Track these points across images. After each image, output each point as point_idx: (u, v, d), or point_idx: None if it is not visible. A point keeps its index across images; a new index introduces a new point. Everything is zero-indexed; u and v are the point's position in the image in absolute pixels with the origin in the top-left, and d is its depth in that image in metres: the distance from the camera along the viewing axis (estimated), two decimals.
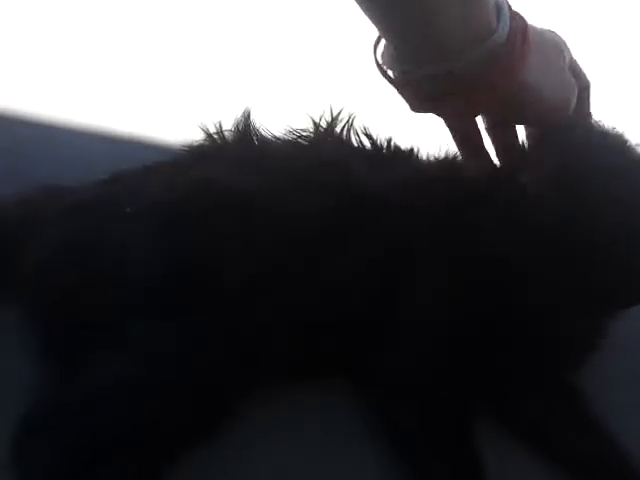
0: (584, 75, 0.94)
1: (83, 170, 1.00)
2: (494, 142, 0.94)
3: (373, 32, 0.84)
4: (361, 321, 0.92)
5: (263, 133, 1.04)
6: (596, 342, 0.95)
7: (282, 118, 1.05)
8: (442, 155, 1.02)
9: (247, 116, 1.02)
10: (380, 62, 0.86)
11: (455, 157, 0.99)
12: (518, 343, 0.91)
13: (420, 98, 0.85)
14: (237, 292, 0.89)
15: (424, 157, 1.03)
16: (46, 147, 1.26)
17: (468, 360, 0.91)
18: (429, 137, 1.03)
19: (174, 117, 1.32)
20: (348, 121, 1.04)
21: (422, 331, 0.92)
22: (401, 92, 0.86)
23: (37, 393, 0.85)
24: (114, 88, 1.40)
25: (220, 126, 1.02)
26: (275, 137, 1.04)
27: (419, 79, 0.81)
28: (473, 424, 0.90)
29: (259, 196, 0.93)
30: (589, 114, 0.96)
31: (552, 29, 0.91)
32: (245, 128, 1.02)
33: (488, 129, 0.93)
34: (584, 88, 0.93)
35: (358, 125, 1.04)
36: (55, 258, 0.91)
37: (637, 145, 0.91)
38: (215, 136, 1.02)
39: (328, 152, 1.03)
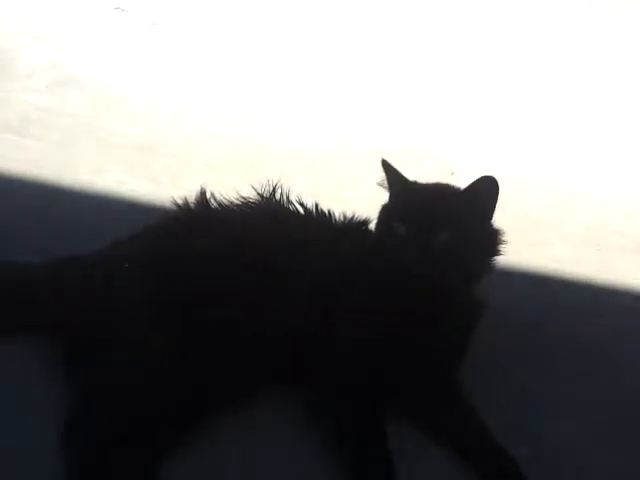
0: None
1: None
2: None
3: None
4: (302, 337, 1.26)
5: (219, 201, 1.39)
6: (467, 348, 1.32)
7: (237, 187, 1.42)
8: (350, 217, 1.39)
9: (203, 193, 1.39)
10: None
11: (357, 221, 1.38)
12: (420, 347, 1.26)
13: None
14: (206, 319, 1.24)
15: (339, 218, 1.39)
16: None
17: (386, 364, 1.25)
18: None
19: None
20: (283, 192, 1.39)
21: (352, 343, 1.27)
22: None
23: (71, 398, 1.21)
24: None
25: (186, 200, 1.39)
26: (229, 203, 1.39)
27: None
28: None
29: (214, 253, 1.30)
30: None
31: None
32: (202, 200, 1.39)
33: None
34: None
35: (293, 195, 1.40)
36: (78, 302, 1.27)
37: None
38: (183, 207, 1.39)
39: (269, 214, 1.39)
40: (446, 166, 1.88)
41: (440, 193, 1.30)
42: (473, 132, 2.06)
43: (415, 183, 1.33)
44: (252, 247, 1.31)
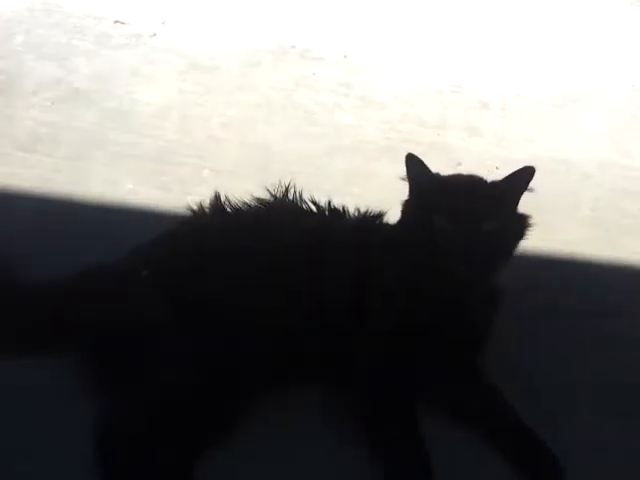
0: None
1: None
2: None
3: None
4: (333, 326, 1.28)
5: (233, 205, 1.41)
6: (489, 334, 1.34)
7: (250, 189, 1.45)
8: (364, 212, 1.41)
9: (217, 197, 1.42)
10: None
11: (371, 215, 1.40)
12: (450, 334, 1.28)
13: None
14: (230, 318, 1.26)
15: (353, 213, 1.42)
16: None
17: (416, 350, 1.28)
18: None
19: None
20: (296, 192, 1.42)
21: (380, 333, 1.28)
22: None
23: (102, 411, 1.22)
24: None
25: (201, 205, 1.41)
26: (243, 205, 1.41)
27: None
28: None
29: (234, 253, 1.33)
30: None
31: None
32: (217, 205, 1.41)
33: None
34: None
35: (305, 194, 1.42)
36: (99, 315, 1.29)
37: None
38: (198, 212, 1.41)
39: (284, 213, 1.42)
40: (451, 157, 1.91)
41: (478, 183, 1.33)
42: (474, 122, 2.08)
43: (445, 176, 1.34)
44: (271, 245, 1.33)
